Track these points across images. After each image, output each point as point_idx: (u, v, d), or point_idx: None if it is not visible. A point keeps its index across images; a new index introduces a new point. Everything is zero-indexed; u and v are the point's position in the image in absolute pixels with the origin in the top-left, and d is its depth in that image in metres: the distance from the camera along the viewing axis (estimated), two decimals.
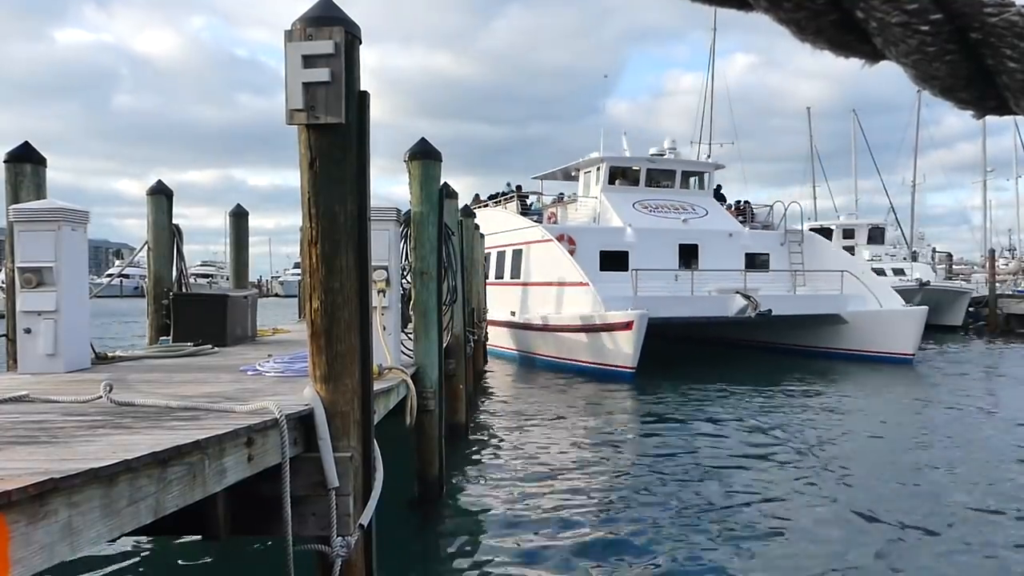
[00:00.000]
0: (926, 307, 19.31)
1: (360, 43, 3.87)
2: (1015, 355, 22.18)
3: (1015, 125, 48.21)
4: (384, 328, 5.96)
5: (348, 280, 3.74)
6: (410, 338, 7.21)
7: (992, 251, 34.62)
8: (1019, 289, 34.34)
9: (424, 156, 7.22)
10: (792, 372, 16.98)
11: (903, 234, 42.66)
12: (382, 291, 6.05)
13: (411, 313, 7.28)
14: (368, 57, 4.21)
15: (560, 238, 19.55)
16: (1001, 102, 0.64)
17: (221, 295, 9.49)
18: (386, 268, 6.15)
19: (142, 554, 5.55)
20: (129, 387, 4.83)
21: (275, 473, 3.40)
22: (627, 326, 15.78)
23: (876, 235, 35.93)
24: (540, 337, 19.05)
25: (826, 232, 36.25)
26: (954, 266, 43.24)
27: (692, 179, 23.82)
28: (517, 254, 21.28)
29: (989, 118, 0.68)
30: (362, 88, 3.88)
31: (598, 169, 22.64)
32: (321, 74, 3.65)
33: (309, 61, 3.66)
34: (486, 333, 18.24)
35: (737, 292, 18.43)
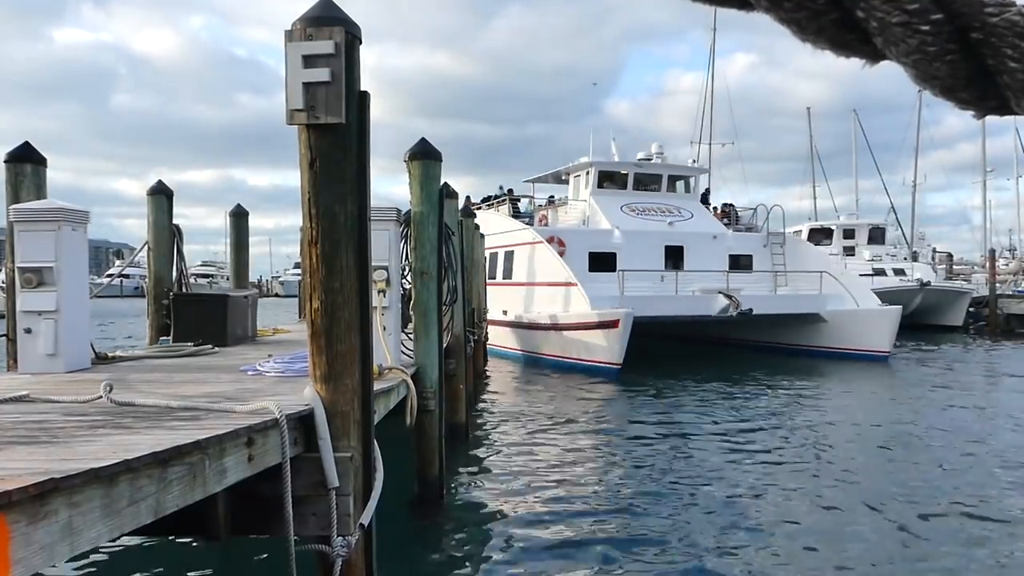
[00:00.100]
0: (900, 306, 19.60)
1: (360, 43, 3.87)
2: (997, 355, 22.16)
3: (1015, 125, 48.33)
4: (384, 328, 5.96)
5: (348, 280, 3.75)
6: (410, 338, 7.21)
7: (992, 251, 34.52)
8: (1019, 289, 34.30)
9: (424, 156, 7.22)
10: (772, 368, 17.37)
11: (904, 234, 42.72)
12: (382, 291, 6.05)
13: (411, 313, 7.28)
14: (367, 57, 4.21)
15: (550, 240, 19.99)
16: (1002, 102, 0.64)
17: (221, 295, 9.49)
18: (386, 268, 6.15)
19: (142, 554, 5.55)
20: (129, 387, 4.83)
21: (275, 473, 3.40)
22: (613, 324, 16.18)
23: (877, 235, 35.93)
24: (530, 335, 19.46)
25: (827, 232, 36.31)
26: (954, 266, 43.20)
27: (678, 183, 24.43)
28: (509, 255, 21.70)
29: (989, 118, 0.68)
30: (362, 88, 3.88)
31: (587, 173, 23.21)
32: (321, 74, 3.65)
33: (309, 61, 3.66)
34: (486, 333, 18.34)
35: (720, 292, 18.84)
